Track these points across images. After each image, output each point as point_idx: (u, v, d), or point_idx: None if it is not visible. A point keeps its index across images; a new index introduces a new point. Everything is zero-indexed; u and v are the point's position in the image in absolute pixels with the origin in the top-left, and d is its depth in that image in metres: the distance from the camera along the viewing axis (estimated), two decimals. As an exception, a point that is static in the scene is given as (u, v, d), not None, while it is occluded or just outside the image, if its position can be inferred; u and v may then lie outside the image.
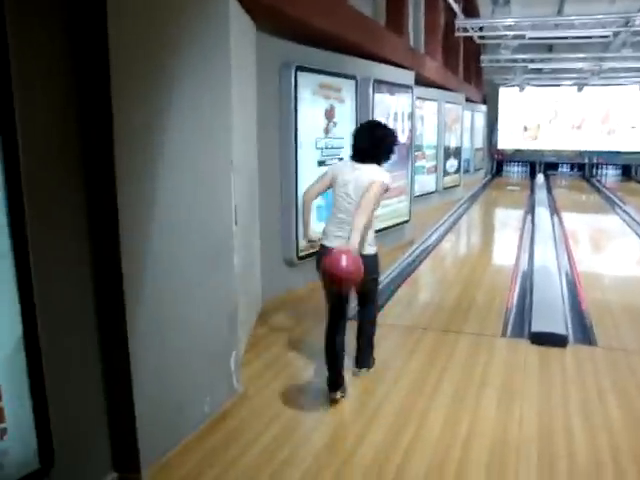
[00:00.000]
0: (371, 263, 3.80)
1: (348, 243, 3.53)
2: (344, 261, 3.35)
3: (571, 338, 4.97)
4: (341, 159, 6.82)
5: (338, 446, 3.37)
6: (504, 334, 5.14)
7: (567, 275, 7.23)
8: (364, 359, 4.24)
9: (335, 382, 3.85)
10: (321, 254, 3.78)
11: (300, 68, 5.86)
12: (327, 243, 3.85)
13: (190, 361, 3.32)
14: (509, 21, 12.33)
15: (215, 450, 3.28)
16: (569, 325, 5.29)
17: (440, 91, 12.95)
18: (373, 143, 3.89)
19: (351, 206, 3.77)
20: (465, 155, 16.27)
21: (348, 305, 3.96)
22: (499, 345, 4.85)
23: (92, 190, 2.64)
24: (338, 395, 3.85)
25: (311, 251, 6.29)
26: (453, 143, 14.39)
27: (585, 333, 5.19)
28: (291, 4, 5.05)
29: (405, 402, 3.85)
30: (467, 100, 16.31)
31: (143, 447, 2.91)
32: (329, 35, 6.13)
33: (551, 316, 5.41)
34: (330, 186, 3.99)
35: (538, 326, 5.08)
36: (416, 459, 3.20)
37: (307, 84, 6.04)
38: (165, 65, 2.96)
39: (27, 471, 2.42)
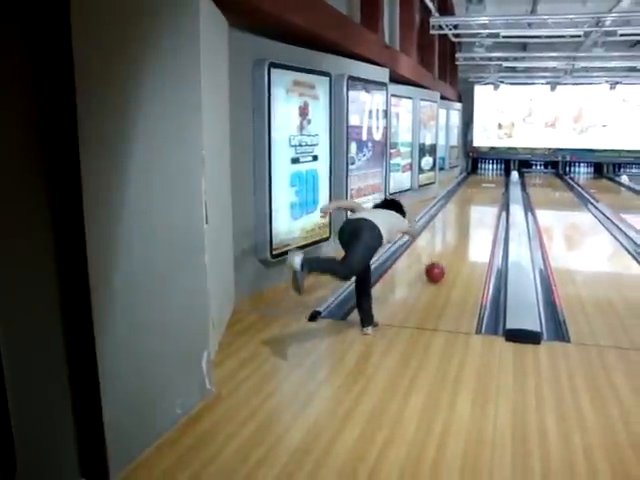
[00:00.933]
0: None
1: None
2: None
3: (545, 335, 4.99)
4: (315, 157, 6.81)
5: (312, 446, 3.33)
6: (479, 331, 5.14)
7: (541, 271, 7.28)
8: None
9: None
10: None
11: (273, 65, 5.81)
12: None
13: (161, 362, 3.25)
14: (483, 19, 12.42)
15: (187, 453, 3.21)
16: (543, 322, 5.32)
17: (415, 89, 12.97)
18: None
19: None
20: (440, 153, 16.32)
21: None
22: (474, 342, 4.85)
23: (58, 190, 2.56)
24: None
25: (285, 249, 6.28)
26: (428, 141, 14.41)
27: (558, 329, 5.21)
28: (267, 0, 5.00)
29: (380, 401, 3.82)
30: (442, 98, 16.36)
31: (112, 452, 2.84)
32: (303, 32, 6.09)
33: (525, 313, 5.43)
34: None
35: (512, 323, 5.10)
36: (391, 458, 3.17)
37: (281, 81, 5.98)
38: (132, 64, 2.89)
39: (-11, 479, 2.35)
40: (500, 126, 23.21)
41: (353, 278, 5.00)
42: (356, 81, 7.70)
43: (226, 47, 5.18)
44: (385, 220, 4.93)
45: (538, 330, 4.99)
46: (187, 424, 3.46)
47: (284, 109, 6.12)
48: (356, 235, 4.69)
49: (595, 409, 3.71)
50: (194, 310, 3.56)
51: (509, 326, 5.04)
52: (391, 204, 5.41)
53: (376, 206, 5.48)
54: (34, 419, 2.54)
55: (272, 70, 5.78)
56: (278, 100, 5.97)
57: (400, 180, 11.99)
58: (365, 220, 4.82)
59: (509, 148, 23.26)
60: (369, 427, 3.49)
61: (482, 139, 23.47)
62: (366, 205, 8.22)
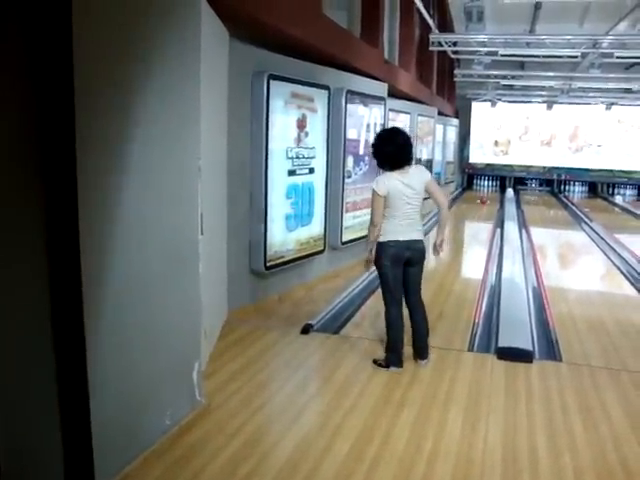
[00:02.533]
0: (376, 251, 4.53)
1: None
2: None
3: (537, 353, 4.99)
4: (312, 170, 6.81)
5: (301, 460, 3.30)
6: (471, 348, 5.14)
7: (534, 289, 7.28)
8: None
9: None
10: (392, 247, 4.45)
11: (273, 77, 5.81)
12: (401, 238, 4.45)
13: (151, 372, 3.23)
14: (482, 37, 12.51)
15: (176, 465, 3.19)
16: (535, 340, 5.32)
17: (413, 104, 13.01)
18: (407, 148, 4.50)
19: (414, 209, 4.45)
20: (436, 168, 16.36)
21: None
22: (465, 360, 4.85)
23: (52, 196, 2.55)
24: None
25: (278, 261, 6.27)
26: (425, 156, 14.45)
27: (550, 348, 5.21)
28: (267, 12, 5.02)
29: (370, 417, 3.81)
30: (440, 113, 16.44)
31: (99, 462, 2.80)
32: (304, 45, 6.11)
33: (517, 331, 5.43)
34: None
35: (504, 341, 5.09)
36: (380, 475, 3.15)
37: (279, 93, 5.99)
38: (132, 72, 2.89)
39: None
40: (496, 143, 23.31)
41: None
42: (355, 95, 7.72)
43: (226, 57, 5.20)
44: None
45: (530, 349, 4.98)
46: (176, 435, 3.44)
47: (282, 121, 6.13)
48: (420, 262, 4.62)
49: (586, 430, 3.70)
50: (187, 320, 3.54)
51: (501, 344, 5.04)
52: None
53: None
54: (20, 429, 2.51)
55: (271, 82, 5.78)
56: (276, 112, 5.97)
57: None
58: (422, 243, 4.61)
59: (505, 165, 23.34)
60: (359, 443, 3.47)
61: (478, 155, 23.55)
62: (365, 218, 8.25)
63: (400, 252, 4.47)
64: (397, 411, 3.88)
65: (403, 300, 4.63)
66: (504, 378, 4.48)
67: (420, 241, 4.58)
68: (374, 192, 4.43)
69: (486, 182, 23.98)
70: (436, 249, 4.78)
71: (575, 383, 4.44)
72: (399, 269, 4.53)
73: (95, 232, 2.70)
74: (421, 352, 4.67)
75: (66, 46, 2.45)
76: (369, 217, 4.61)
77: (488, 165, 23.55)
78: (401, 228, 4.46)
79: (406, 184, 4.39)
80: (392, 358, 4.54)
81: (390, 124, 10.84)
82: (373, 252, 4.56)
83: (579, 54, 13.40)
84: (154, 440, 3.28)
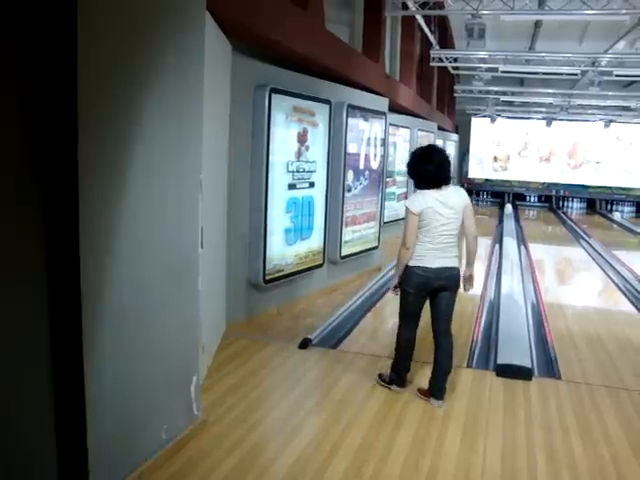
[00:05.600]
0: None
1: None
2: None
3: (536, 370, 4.97)
4: (312, 184, 6.82)
5: (298, 478, 3.28)
6: (469, 365, 5.12)
7: (533, 306, 7.28)
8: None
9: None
10: (421, 275, 4.10)
11: (274, 90, 5.83)
12: (431, 265, 4.08)
13: (149, 386, 3.21)
14: (483, 54, 12.59)
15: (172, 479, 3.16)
16: (534, 357, 5.31)
17: (413, 118, 13.07)
18: (446, 166, 4.17)
19: (450, 232, 4.11)
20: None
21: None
22: (464, 376, 4.82)
23: (52, 204, 2.55)
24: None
25: (277, 275, 6.26)
26: (424, 171, 14.48)
27: (549, 366, 5.20)
28: (271, 27, 5.05)
29: (368, 434, 3.78)
30: (439, 128, 16.50)
31: (94, 478, 2.77)
32: (306, 59, 6.15)
33: (516, 348, 5.40)
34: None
35: (503, 358, 5.07)
36: (378, 494, 3.13)
37: (281, 107, 6.00)
38: (135, 84, 2.89)
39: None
40: (496, 159, 23.40)
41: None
42: (356, 109, 7.74)
43: (229, 70, 5.22)
44: None
45: (529, 366, 4.96)
46: (172, 450, 3.40)
47: (283, 135, 6.14)
48: (453, 290, 4.23)
49: (585, 449, 3.68)
50: (185, 334, 3.52)
51: (500, 361, 5.02)
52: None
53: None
54: (15, 444, 2.49)
55: (273, 95, 5.79)
56: (277, 125, 5.98)
57: (395, 209, 12.02)
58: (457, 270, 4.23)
59: (504, 181, 23.43)
60: (356, 460, 3.45)
61: (477, 171, 23.64)
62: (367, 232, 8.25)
63: (428, 282, 4.10)
64: (395, 428, 3.86)
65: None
66: (503, 396, 4.46)
67: (454, 268, 4.16)
68: (407, 210, 4.07)
69: (484, 197, 24.07)
70: (466, 285, 4.43)
71: (574, 401, 4.42)
72: (424, 298, 4.22)
73: (95, 246, 2.69)
74: (437, 392, 4.23)
75: (70, 58, 2.45)
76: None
77: (487, 180, 23.64)
78: (432, 253, 4.06)
79: (444, 203, 4.03)
80: (395, 378, 4.43)
81: (390, 139, 10.90)
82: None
83: (579, 72, 13.50)
84: (150, 455, 3.24)
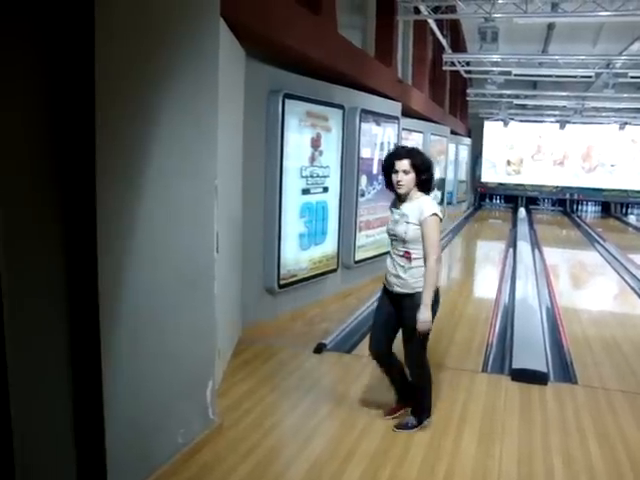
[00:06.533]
0: None
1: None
2: None
3: (551, 375, 4.94)
4: (326, 188, 6.83)
5: (314, 483, 3.28)
6: (484, 369, 5.10)
7: (548, 310, 7.24)
8: None
9: None
10: (437, 295, 3.66)
11: (288, 96, 5.85)
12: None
13: (165, 390, 3.22)
14: (495, 57, 12.56)
15: (187, 485, 3.18)
16: (549, 362, 5.27)
17: (426, 123, 13.06)
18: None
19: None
20: (448, 187, 16.37)
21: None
22: (479, 381, 4.80)
23: (71, 209, 2.58)
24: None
25: (291, 280, 6.27)
26: (437, 175, 14.48)
27: (565, 370, 5.17)
28: (284, 33, 5.07)
29: (383, 439, 3.77)
30: (452, 132, 16.47)
31: (112, 478, 2.79)
32: (319, 64, 6.17)
33: (532, 352, 5.38)
34: None
35: (519, 362, 5.04)
36: (394, 499, 3.12)
37: (294, 112, 6.03)
38: (152, 85, 2.92)
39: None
40: (509, 162, 23.32)
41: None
42: (369, 114, 7.75)
43: (242, 76, 5.25)
44: None
45: (545, 370, 4.93)
46: (188, 454, 3.41)
47: (297, 140, 6.16)
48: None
49: (603, 454, 3.65)
50: (201, 338, 3.53)
51: (515, 365, 4.99)
52: None
53: None
54: (35, 446, 2.51)
55: (286, 101, 5.82)
56: (291, 131, 6.00)
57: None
58: None
59: (517, 185, 23.34)
60: (372, 465, 3.44)
61: (490, 175, 23.57)
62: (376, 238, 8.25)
63: (438, 304, 3.71)
64: (410, 433, 3.84)
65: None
66: (519, 400, 4.43)
67: None
68: (436, 217, 3.53)
69: (498, 201, 24.00)
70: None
71: (591, 406, 4.39)
72: None
73: (112, 246, 2.71)
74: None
75: (87, 58, 2.48)
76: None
77: (500, 184, 23.57)
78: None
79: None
80: (428, 412, 3.95)
81: (403, 143, 10.88)
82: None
83: (593, 74, 13.43)
84: (167, 459, 3.25)
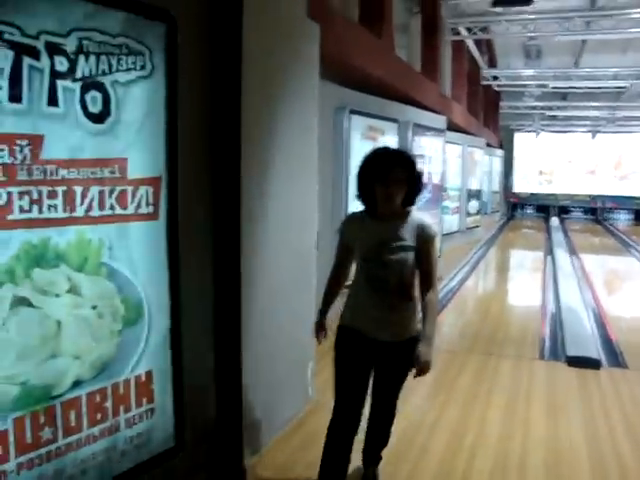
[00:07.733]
0: None
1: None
2: None
3: (604, 363, 5.37)
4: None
5: (403, 452, 3.75)
6: (542, 358, 5.56)
7: (593, 310, 7.59)
8: None
9: None
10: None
11: (353, 111, 6.38)
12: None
13: (281, 366, 3.74)
14: (531, 72, 12.99)
15: (296, 451, 3.62)
16: (600, 351, 5.71)
17: (463, 135, 13.53)
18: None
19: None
20: (483, 198, 16.79)
21: None
22: (538, 366, 5.26)
23: (219, 201, 3.13)
24: None
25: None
26: (474, 185, 14.93)
27: (615, 358, 5.60)
28: (354, 55, 5.61)
29: (462, 410, 4.25)
30: (486, 144, 16.89)
31: (246, 441, 3.33)
32: (379, 82, 6.69)
33: (584, 344, 5.81)
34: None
35: (572, 351, 5.50)
36: (479, 464, 3.58)
37: (358, 126, 6.56)
38: (275, 120, 3.49)
39: (165, 448, 2.85)
40: (541, 172, 23.60)
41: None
42: (419, 127, 8.26)
43: (316, 95, 5.78)
44: None
45: (598, 357, 5.38)
46: (296, 425, 3.90)
47: (360, 153, 6.64)
48: None
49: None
50: (305, 322, 4.04)
51: (570, 354, 5.45)
52: None
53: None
54: (193, 408, 3.02)
55: (351, 116, 6.35)
56: (355, 144, 6.53)
57: (449, 222, 12.46)
58: None
59: (549, 194, 23.59)
60: (455, 436, 3.90)
61: (522, 185, 23.87)
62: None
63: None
64: (487, 406, 4.32)
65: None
66: (577, 382, 4.87)
67: None
68: (436, 239, 2.87)
69: (530, 211, 24.23)
70: None
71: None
72: None
73: (251, 243, 3.26)
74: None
75: (236, 98, 3.06)
76: None
77: (532, 194, 23.83)
78: None
79: None
80: None
81: (444, 155, 11.34)
82: None
83: (628, 85, 13.70)
84: (281, 427, 3.78)
